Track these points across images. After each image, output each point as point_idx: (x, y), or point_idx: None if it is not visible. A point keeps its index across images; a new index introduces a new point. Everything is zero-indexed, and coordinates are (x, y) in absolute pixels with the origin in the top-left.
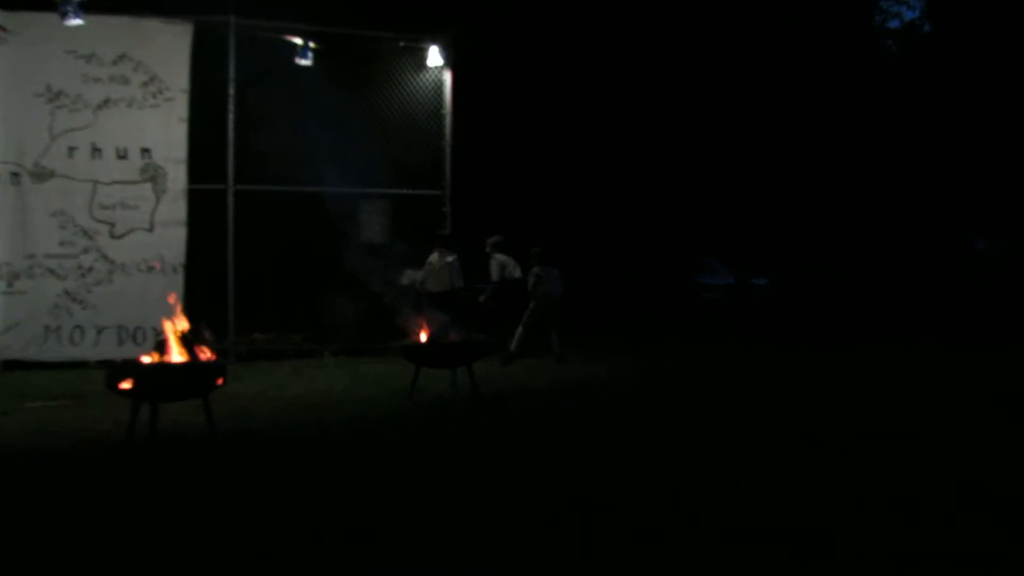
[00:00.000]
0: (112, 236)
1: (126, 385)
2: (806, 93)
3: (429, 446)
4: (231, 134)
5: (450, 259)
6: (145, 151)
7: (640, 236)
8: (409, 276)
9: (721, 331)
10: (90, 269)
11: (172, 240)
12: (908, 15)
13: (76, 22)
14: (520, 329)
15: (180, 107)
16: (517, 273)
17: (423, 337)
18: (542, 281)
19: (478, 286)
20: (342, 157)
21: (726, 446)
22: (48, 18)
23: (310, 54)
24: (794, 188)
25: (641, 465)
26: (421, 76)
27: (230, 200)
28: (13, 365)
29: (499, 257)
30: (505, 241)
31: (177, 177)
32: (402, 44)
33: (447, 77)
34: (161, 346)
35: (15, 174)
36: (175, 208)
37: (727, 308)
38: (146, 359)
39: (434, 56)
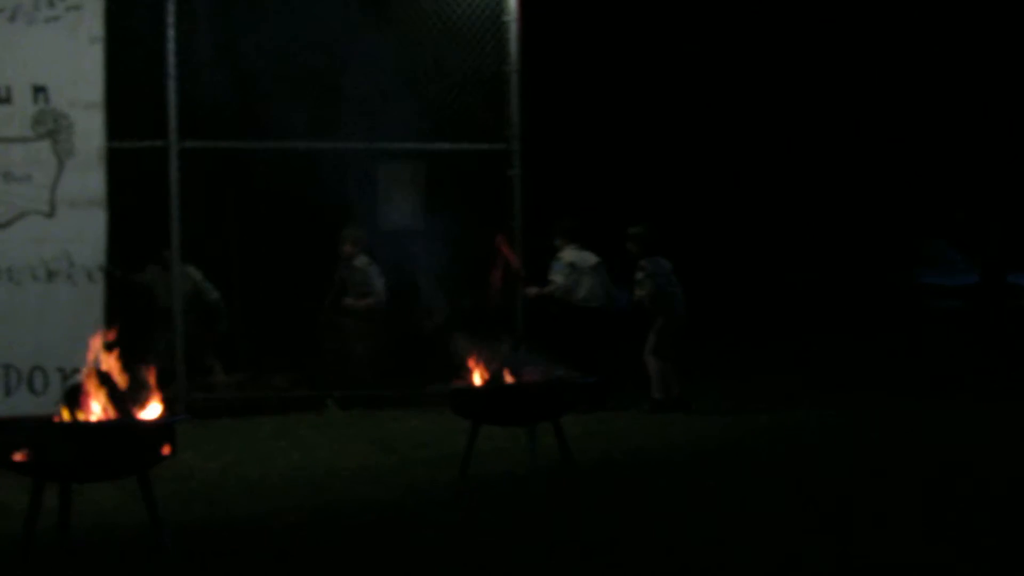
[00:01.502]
0: None
1: (20, 457)
2: None
3: (495, 557)
4: (172, 62)
5: (596, 260)
6: (39, 91)
7: (823, 214)
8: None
9: (963, 361)
10: None
11: (85, 229)
12: None
13: None
14: (655, 362)
15: (92, 21)
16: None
17: (480, 377)
18: (656, 279)
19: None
20: (348, 95)
21: None
22: None
23: None
24: None
25: None
26: None
27: (174, 165)
28: None
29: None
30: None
31: (90, 130)
32: None
33: None
34: (73, 397)
35: None
36: (88, 179)
37: (969, 322)
38: (51, 417)
39: None
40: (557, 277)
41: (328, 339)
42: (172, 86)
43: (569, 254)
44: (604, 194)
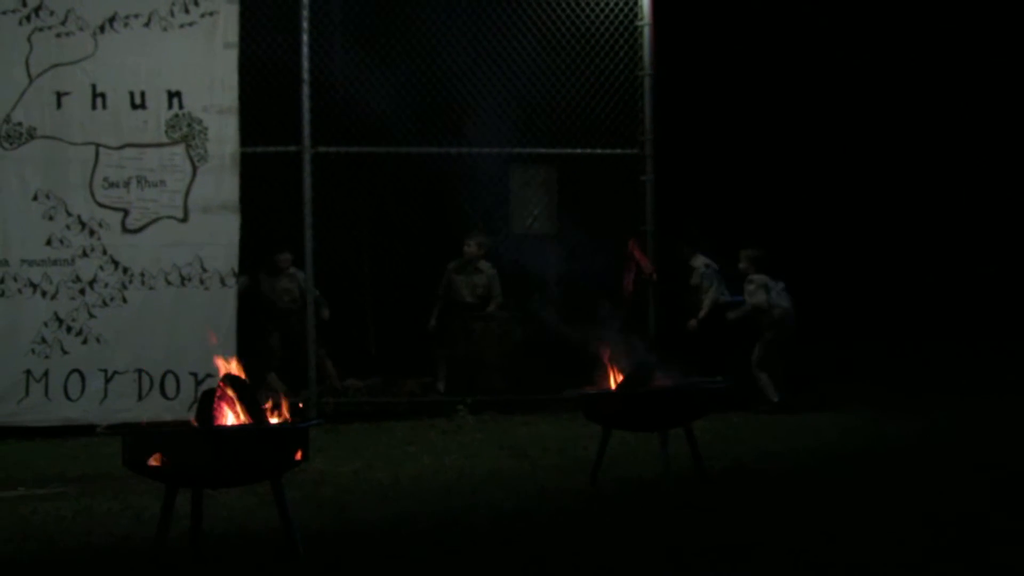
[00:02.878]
0: (125, 230)
1: (154, 462)
2: None
3: (626, 563)
4: (306, 67)
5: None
6: (174, 96)
7: (953, 217)
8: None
9: None
10: (92, 282)
11: (218, 234)
12: None
13: None
14: (762, 374)
15: (226, 27)
16: None
17: (613, 382)
18: (769, 292)
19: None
20: (481, 100)
21: None
22: None
23: None
24: None
25: None
26: None
27: (307, 171)
28: None
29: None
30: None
31: (224, 136)
32: None
33: None
34: (206, 402)
35: None
36: (222, 184)
37: None
38: (184, 422)
39: None
40: (715, 282)
41: (448, 344)
42: (306, 91)
43: (705, 261)
44: (739, 198)
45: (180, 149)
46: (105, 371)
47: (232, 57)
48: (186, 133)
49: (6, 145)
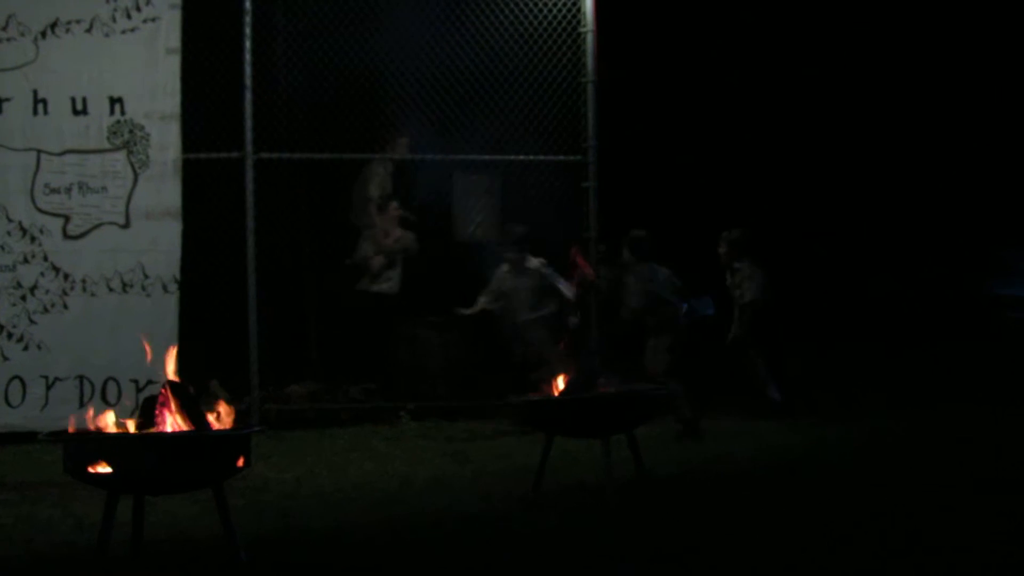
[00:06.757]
0: (66, 236)
1: (95, 469)
2: None
3: (568, 569)
4: (248, 73)
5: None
6: (115, 102)
7: (896, 221)
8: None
9: None
10: (34, 288)
11: (160, 240)
12: None
13: None
14: (764, 367)
15: (168, 33)
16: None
17: (555, 388)
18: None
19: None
20: (423, 106)
21: None
22: None
23: None
24: None
25: None
26: None
27: (249, 177)
28: None
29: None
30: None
31: (166, 142)
32: None
33: None
34: (148, 408)
35: None
36: (163, 190)
37: None
38: (126, 428)
39: None
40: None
41: (403, 350)
42: (248, 97)
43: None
44: (683, 204)
45: (122, 155)
46: (46, 378)
47: (174, 63)
48: (128, 139)
49: None
